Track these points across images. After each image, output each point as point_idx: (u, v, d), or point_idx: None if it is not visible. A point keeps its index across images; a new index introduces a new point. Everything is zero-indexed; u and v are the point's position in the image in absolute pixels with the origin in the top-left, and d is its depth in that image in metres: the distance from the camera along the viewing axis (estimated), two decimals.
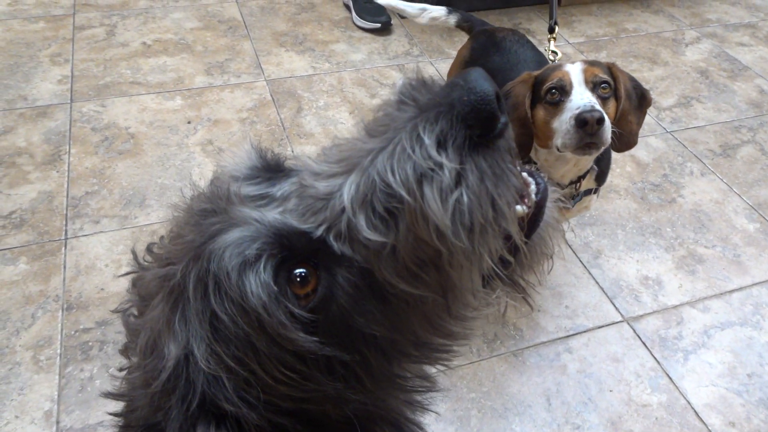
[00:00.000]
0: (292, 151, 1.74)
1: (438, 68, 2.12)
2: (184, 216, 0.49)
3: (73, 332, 1.25)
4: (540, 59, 1.31)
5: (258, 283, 0.41)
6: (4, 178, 1.57)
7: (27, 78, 1.90)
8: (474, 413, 1.17)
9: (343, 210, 0.42)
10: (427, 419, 1.16)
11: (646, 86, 2.08)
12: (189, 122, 1.81)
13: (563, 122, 0.96)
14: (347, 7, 2.39)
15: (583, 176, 1.12)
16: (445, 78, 1.85)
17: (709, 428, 1.15)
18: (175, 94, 1.92)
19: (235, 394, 0.42)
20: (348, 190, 0.42)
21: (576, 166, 1.08)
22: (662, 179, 1.73)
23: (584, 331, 1.32)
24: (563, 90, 0.98)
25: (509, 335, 1.30)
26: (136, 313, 0.51)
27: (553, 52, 1.24)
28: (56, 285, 1.34)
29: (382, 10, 2.27)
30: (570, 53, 2.25)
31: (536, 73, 1.05)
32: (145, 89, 1.92)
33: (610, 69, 1.04)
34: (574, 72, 0.99)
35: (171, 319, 0.43)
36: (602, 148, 0.98)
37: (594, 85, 0.99)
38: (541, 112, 1.03)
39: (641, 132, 1.87)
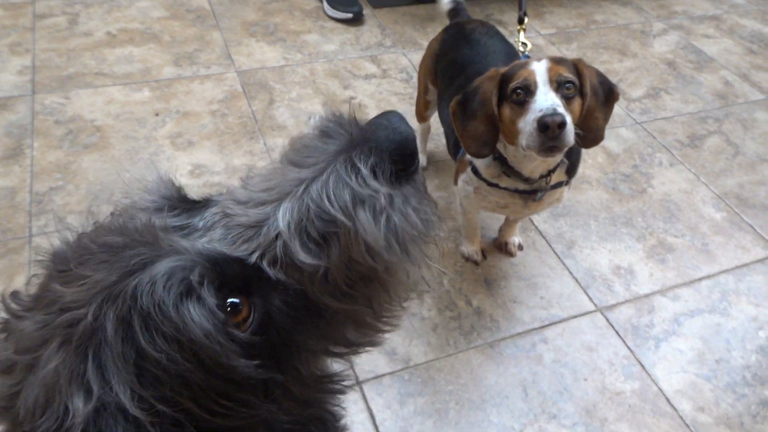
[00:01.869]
0: (265, 144, 1.71)
1: (411, 59, 2.11)
2: (73, 257, 0.44)
3: None
4: (510, 51, 1.31)
5: (201, 312, 0.39)
6: None
7: None
8: (452, 405, 1.17)
9: (278, 235, 0.44)
10: (405, 412, 1.16)
11: (615, 78, 2.11)
12: (157, 114, 1.77)
13: (527, 123, 0.96)
14: None
15: (553, 170, 1.13)
16: (418, 69, 1.86)
17: (680, 414, 1.18)
18: (142, 85, 1.86)
19: None
20: (283, 216, 0.44)
21: (544, 162, 1.09)
22: (633, 170, 1.75)
23: (559, 321, 1.33)
24: (528, 90, 0.98)
25: (486, 327, 1.31)
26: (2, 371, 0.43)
27: (522, 43, 1.24)
28: (21, 284, 1.29)
29: (354, 0, 2.25)
30: (541, 44, 2.27)
31: (503, 69, 1.04)
32: (111, 80, 1.86)
33: (576, 66, 1.03)
34: (540, 71, 0.99)
35: (78, 370, 0.38)
36: (565, 150, 0.99)
37: (558, 85, 0.98)
38: (507, 111, 1.02)
39: (612, 123, 1.90)
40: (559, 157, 1.05)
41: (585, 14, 2.49)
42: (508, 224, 1.44)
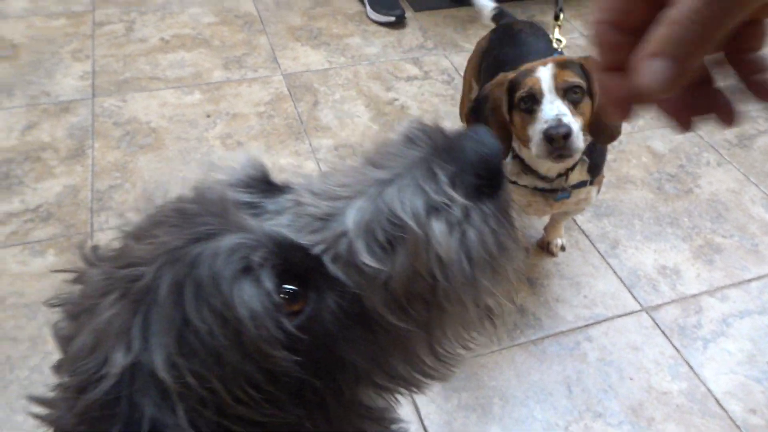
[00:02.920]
0: (310, 145, 1.76)
1: (452, 61, 2.13)
2: (151, 218, 0.46)
3: None
4: (552, 49, 1.32)
5: (254, 292, 0.39)
6: (30, 172, 1.60)
7: (49, 74, 1.93)
8: (495, 401, 1.19)
9: (344, 233, 0.42)
10: (449, 407, 1.18)
11: None
12: (208, 116, 1.84)
13: (535, 133, 0.99)
14: (361, 1, 2.40)
15: (571, 169, 1.13)
16: (462, 71, 1.87)
17: (730, 415, 1.17)
18: (193, 88, 1.94)
19: (185, 417, 0.38)
20: (352, 214, 0.43)
21: (558, 163, 1.09)
22: (678, 169, 1.73)
23: (603, 320, 1.33)
24: (534, 99, 1.00)
25: (529, 325, 1.32)
26: (70, 314, 0.44)
27: (557, 40, 1.25)
28: None
29: (396, 3, 2.29)
30: (584, 45, 2.26)
31: (511, 75, 1.06)
32: (164, 84, 1.95)
33: (583, 67, 1.03)
34: (545, 77, 1.00)
35: (127, 324, 0.39)
36: (575, 156, 1.00)
37: (565, 92, 0.99)
38: (517, 118, 1.05)
39: (658, 123, 1.88)
40: (570, 162, 1.05)
41: None
42: (552, 224, 1.45)
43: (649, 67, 0.32)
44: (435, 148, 0.45)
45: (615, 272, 1.44)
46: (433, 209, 0.42)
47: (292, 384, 0.41)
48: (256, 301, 0.39)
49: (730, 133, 1.87)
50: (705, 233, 1.54)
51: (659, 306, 1.36)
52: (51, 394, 0.43)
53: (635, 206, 1.61)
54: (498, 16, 1.53)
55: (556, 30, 1.28)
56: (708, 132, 1.87)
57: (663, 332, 1.31)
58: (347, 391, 0.44)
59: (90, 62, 2.00)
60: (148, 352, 0.38)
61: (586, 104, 1.03)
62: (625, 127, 1.87)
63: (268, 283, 0.39)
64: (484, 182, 0.44)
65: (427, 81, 2.04)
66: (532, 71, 1.02)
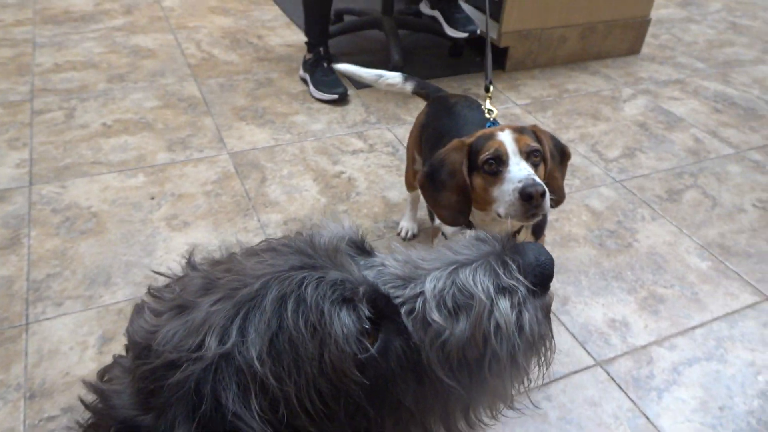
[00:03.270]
0: (259, 221, 1.75)
1: (395, 133, 2.20)
2: (263, 244, 0.55)
3: (37, 422, 1.19)
4: (485, 119, 1.38)
5: (351, 318, 0.46)
6: None
7: None
8: None
9: (421, 293, 0.51)
10: None
11: (591, 141, 2.21)
12: (152, 198, 1.81)
13: (506, 193, 0.99)
14: (304, 80, 2.49)
15: (518, 231, 1.15)
16: (405, 142, 1.92)
17: None
18: (137, 171, 1.92)
19: (258, 414, 0.43)
20: (430, 280, 0.52)
21: (511, 225, 1.11)
22: (617, 226, 1.81)
23: (561, 378, 1.33)
24: (500, 161, 1.02)
25: None
26: (161, 306, 0.51)
27: (488, 110, 1.30)
28: (17, 373, 1.28)
29: (338, 81, 2.37)
30: (518, 113, 2.38)
31: (469, 140, 1.08)
32: (107, 168, 1.92)
33: (536, 134, 1.08)
34: (508, 141, 1.03)
35: (227, 320, 0.45)
36: (542, 215, 1.01)
37: (528, 154, 1.03)
38: (479, 181, 1.05)
39: (593, 183, 1.97)
40: (535, 221, 1.07)
41: (557, 84, 2.64)
42: None
43: None
44: (504, 247, 0.55)
45: (567, 329, 1.46)
46: (501, 288, 0.52)
47: (351, 406, 0.47)
48: (350, 324, 0.46)
49: (660, 189, 1.98)
50: (648, 285, 1.60)
51: (612, 359, 1.38)
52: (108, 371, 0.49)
53: (580, 263, 1.66)
54: (421, 89, 1.59)
55: (488, 101, 1.35)
56: (640, 189, 1.98)
57: (618, 385, 1.32)
58: (388, 428, 0.50)
59: (27, 150, 1.96)
60: (243, 347, 0.44)
61: (541, 168, 1.06)
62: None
63: (362, 312, 0.47)
64: (539, 282, 0.54)
65: (372, 153, 2.09)
66: (492, 135, 1.05)
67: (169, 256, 1.61)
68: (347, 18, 2.98)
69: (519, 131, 1.06)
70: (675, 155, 2.18)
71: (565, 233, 1.77)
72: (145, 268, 1.57)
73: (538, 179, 0.98)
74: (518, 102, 2.47)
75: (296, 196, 1.86)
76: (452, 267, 0.53)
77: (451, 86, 2.56)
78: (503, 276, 0.52)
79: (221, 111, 2.28)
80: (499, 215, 1.02)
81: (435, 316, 0.50)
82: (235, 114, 2.27)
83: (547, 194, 0.98)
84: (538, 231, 1.22)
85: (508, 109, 2.41)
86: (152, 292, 0.53)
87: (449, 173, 1.07)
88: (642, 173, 2.07)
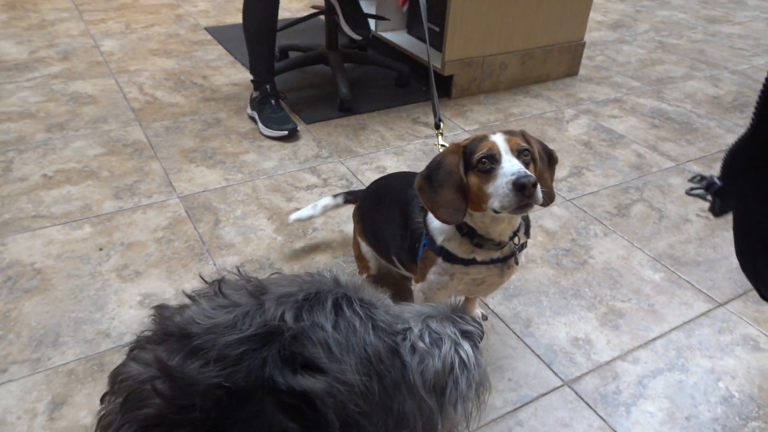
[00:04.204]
0: (215, 264, 1.70)
1: (348, 166, 2.20)
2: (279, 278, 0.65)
3: None
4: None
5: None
6: None
7: None
8: None
9: (409, 328, 0.64)
10: None
11: None
12: (101, 249, 1.74)
13: (499, 187, 1.05)
14: (252, 119, 2.47)
15: (517, 230, 1.21)
16: (357, 174, 1.93)
17: None
18: (83, 222, 1.85)
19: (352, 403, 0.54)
20: (413, 322, 0.66)
21: (509, 223, 1.17)
22: (571, 244, 1.85)
23: (530, 401, 1.33)
24: (494, 159, 1.07)
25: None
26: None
27: (442, 145, 1.33)
28: None
29: (287, 118, 2.37)
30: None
31: (463, 143, 1.14)
32: (50, 221, 1.84)
33: (525, 136, 1.15)
34: (500, 141, 1.09)
35: (299, 306, 0.56)
36: (534, 207, 1.07)
37: (518, 153, 1.09)
38: (474, 179, 1.10)
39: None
40: (528, 212, 1.11)
41: (502, 109, 2.71)
42: (469, 302, 1.48)
43: None
44: (453, 309, 0.70)
45: (533, 350, 1.46)
46: (463, 332, 0.66)
47: (376, 397, 0.57)
48: (377, 339, 0.60)
49: (609, 205, 2.04)
50: (606, 300, 1.63)
51: (579, 378, 1.39)
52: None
53: (540, 284, 1.68)
54: (350, 196, 1.69)
55: (439, 137, 1.37)
56: (590, 206, 2.03)
57: (587, 404, 1.33)
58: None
59: None
60: (317, 326, 0.55)
61: (531, 167, 1.12)
62: None
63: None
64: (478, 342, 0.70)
65: (326, 188, 2.08)
66: (485, 137, 1.10)
67: (121, 309, 1.54)
68: (293, 54, 2.99)
69: (509, 133, 1.12)
70: (620, 171, 2.26)
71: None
72: (95, 324, 1.49)
73: (530, 172, 1.04)
74: (466, 128, 2.52)
75: (252, 237, 1.83)
76: (424, 317, 0.67)
77: (400, 116, 2.59)
78: (462, 323, 0.67)
79: (169, 154, 2.23)
80: (495, 211, 1.07)
81: (421, 344, 0.63)
82: (183, 156, 2.22)
83: (539, 186, 1.03)
84: (528, 230, 1.27)
85: (457, 135, 2.45)
86: (196, 294, 0.61)
87: (447, 173, 1.12)
88: (591, 191, 2.12)
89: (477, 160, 1.08)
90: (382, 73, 2.96)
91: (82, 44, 3.20)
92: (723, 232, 1.93)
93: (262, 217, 1.92)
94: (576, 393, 1.35)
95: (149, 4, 3.92)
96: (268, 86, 2.39)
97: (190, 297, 0.60)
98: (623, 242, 1.86)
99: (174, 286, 1.62)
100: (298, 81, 2.88)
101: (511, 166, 1.05)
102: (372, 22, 3.07)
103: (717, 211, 0.80)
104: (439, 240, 1.22)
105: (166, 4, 3.92)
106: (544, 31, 2.87)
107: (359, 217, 1.57)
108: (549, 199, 1.16)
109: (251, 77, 2.44)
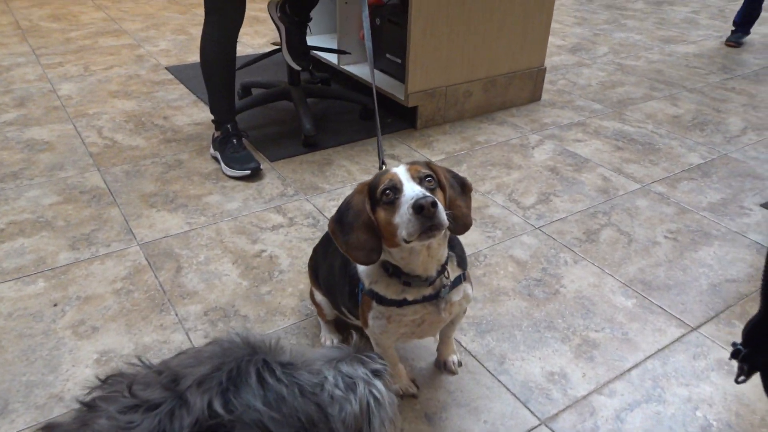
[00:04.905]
0: (177, 315, 1.64)
1: (314, 203, 2.16)
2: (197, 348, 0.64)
3: None
4: None
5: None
6: None
7: None
8: None
9: (326, 378, 0.65)
10: None
11: (507, 190, 2.26)
12: (55, 305, 1.66)
13: (403, 214, 1.02)
14: (215, 158, 2.42)
15: (445, 264, 1.17)
16: (325, 211, 1.89)
17: None
18: (36, 277, 1.77)
19: None
20: (327, 371, 0.66)
21: (430, 256, 1.13)
22: (542, 273, 1.82)
23: None
24: (395, 189, 1.05)
25: None
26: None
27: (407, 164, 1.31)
28: None
29: (250, 157, 2.32)
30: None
31: (368, 181, 1.12)
32: (1, 277, 1.76)
33: (429, 165, 1.13)
34: (401, 172, 1.08)
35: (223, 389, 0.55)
36: (443, 230, 1.04)
37: (420, 180, 1.07)
38: (381, 214, 1.07)
39: (513, 232, 2.00)
40: (438, 237, 1.06)
41: (468, 137, 2.71)
42: (443, 341, 1.44)
43: None
44: (358, 348, 0.73)
45: (508, 389, 1.42)
46: (373, 371, 0.69)
47: None
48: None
49: (577, 231, 2.03)
50: (579, 331, 1.60)
51: (556, 415, 1.35)
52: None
53: (512, 317, 1.65)
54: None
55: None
56: (559, 233, 2.02)
57: None
58: None
59: None
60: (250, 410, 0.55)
61: (439, 194, 1.09)
62: (486, 240, 1.97)
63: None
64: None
65: (293, 227, 2.04)
66: (387, 171, 1.09)
67: (76, 369, 1.46)
68: (255, 91, 2.96)
69: (412, 163, 1.10)
70: (587, 195, 2.26)
71: (494, 287, 1.76)
72: (48, 387, 1.41)
73: (428, 194, 1.01)
74: (433, 158, 2.51)
75: (216, 283, 1.76)
76: (334, 362, 0.68)
77: (366, 149, 2.57)
78: (371, 363, 0.69)
79: (128, 200, 2.16)
80: (405, 241, 1.04)
81: (338, 392, 0.63)
82: (143, 201, 2.16)
83: (440, 206, 1.00)
84: (463, 263, 1.23)
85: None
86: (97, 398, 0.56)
87: (355, 215, 1.10)
88: (559, 217, 2.12)
89: (380, 193, 1.06)
90: (347, 107, 2.94)
91: (39, 89, 3.13)
92: (691, 253, 1.93)
93: (227, 261, 1.86)
94: None
95: (109, 45, 3.87)
96: (229, 125, 2.35)
97: (87, 405, 0.53)
98: (594, 269, 1.85)
99: (133, 341, 1.55)
100: (262, 118, 2.84)
101: (411, 190, 1.03)
102: (334, 56, 3.07)
103: (746, 374, 0.83)
104: (367, 283, 1.19)
105: (126, 45, 3.88)
106: (506, 58, 2.89)
107: (312, 267, 1.53)
108: (464, 226, 1.13)
109: (212, 117, 2.40)
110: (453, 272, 1.19)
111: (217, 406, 0.50)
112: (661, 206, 2.20)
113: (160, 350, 1.53)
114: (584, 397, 1.40)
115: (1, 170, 2.33)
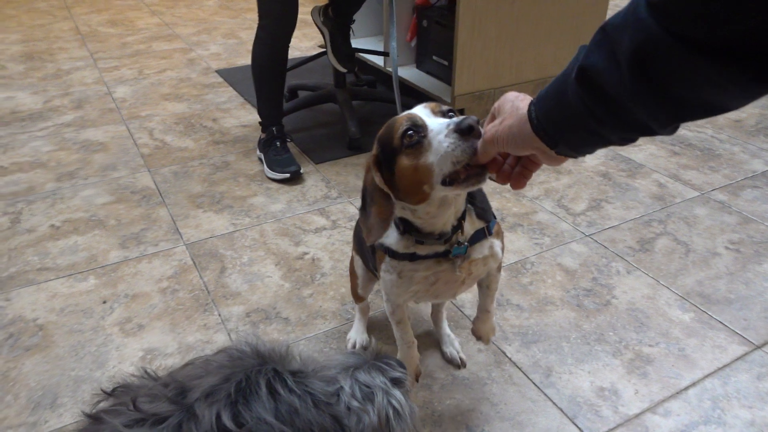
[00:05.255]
0: (220, 315, 1.65)
1: (358, 206, 2.14)
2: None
3: None
4: None
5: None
6: None
7: None
8: None
9: (341, 387, 0.63)
10: None
11: (557, 196, 2.18)
12: (104, 302, 1.70)
13: (440, 148, 0.87)
14: (261, 160, 2.44)
15: (462, 218, 1.05)
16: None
17: None
18: (87, 274, 1.81)
19: None
20: (343, 379, 0.64)
21: (454, 207, 1.01)
22: (593, 283, 1.75)
23: None
24: (418, 126, 0.90)
25: None
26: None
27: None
28: None
29: (291, 160, 2.33)
30: None
31: (375, 151, 0.98)
32: (55, 274, 1.81)
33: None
34: (418, 110, 0.93)
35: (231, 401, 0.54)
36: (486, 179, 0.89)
37: (444, 114, 0.93)
38: (404, 161, 0.92)
39: (562, 239, 1.93)
40: (483, 181, 0.90)
41: None
42: (480, 317, 1.30)
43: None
44: (376, 356, 0.70)
45: (554, 403, 1.37)
46: (393, 380, 0.66)
47: None
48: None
49: (631, 240, 1.95)
50: (632, 345, 1.52)
51: None
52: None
53: (560, 328, 1.59)
54: None
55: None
56: (611, 241, 1.94)
57: None
58: None
59: None
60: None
61: None
62: (533, 247, 1.90)
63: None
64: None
65: (335, 230, 2.03)
66: (398, 117, 0.95)
67: (122, 366, 1.49)
68: (301, 93, 2.98)
69: (428, 103, 0.97)
70: (641, 203, 2.16)
71: (541, 297, 1.70)
72: (95, 383, 1.44)
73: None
74: None
75: (258, 284, 1.77)
76: (351, 370, 0.65)
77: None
78: (390, 371, 0.66)
79: (176, 200, 2.20)
80: (443, 183, 0.89)
81: (355, 403, 0.61)
82: (191, 202, 2.19)
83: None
84: (485, 215, 1.09)
85: None
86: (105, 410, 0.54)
87: (371, 191, 0.98)
88: (611, 224, 2.03)
89: (400, 138, 0.90)
90: (392, 110, 2.92)
91: (96, 92, 3.24)
92: (755, 266, 1.82)
93: (270, 263, 1.86)
94: None
95: (162, 49, 3.98)
96: (274, 128, 2.36)
97: (93, 417, 0.51)
98: (648, 280, 1.76)
99: (177, 340, 1.56)
100: (307, 120, 2.86)
101: (441, 122, 0.88)
102: (381, 59, 3.06)
103: None
104: (384, 240, 1.09)
105: (178, 49, 3.98)
106: (555, 59, 2.81)
107: (355, 231, 1.45)
108: None
109: (259, 119, 2.42)
110: (472, 227, 1.06)
111: (226, 420, 0.47)
112: (722, 215, 2.08)
113: (203, 350, 1.54)
114: (636, 416, 1.33)
115: (58, 170, 2.42)
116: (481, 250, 1.09)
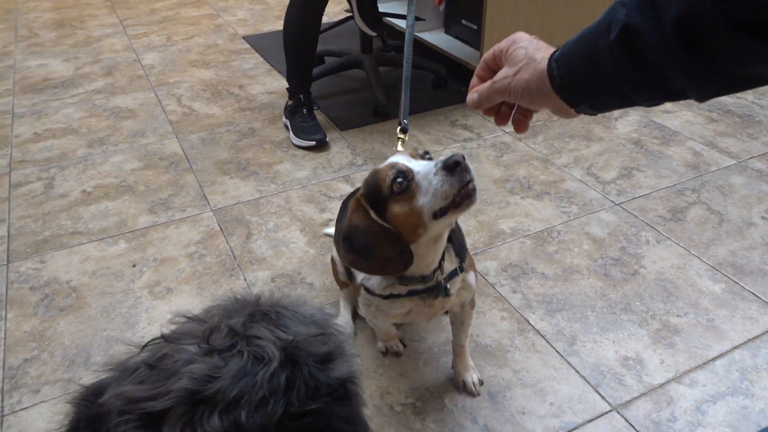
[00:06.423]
0: (245, 280, 1.67)
1: None
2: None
3: None
4: None
5: None
6: None
7: None
8: None
9: None
10: None
11: (586, 164, 2.13)
12: (134, 265, 1.74)
13: (430, 187, 0.91)
14: (287, 127, 2.44)
15: (442, 258, 1.07)
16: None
17: None
18: (118, 238, 1.86)
19: None
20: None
21: (435, 249, 1.04)
22: (621, 252, 1.72)
23: (574, 429, 1.23)
24: (404, 173, 0.94)
25: None
26: None
27: (400, 152, 1.16)
28: None
29: (317, 127, 2.32)
30: (509, 141, 2.32)
31: (360, 192, 1.01)
32: (87, 238, 1.86)
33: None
34: (398, 158, 0.97)
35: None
36: (476, 193, 0.92)
37: (422, 156, 0.99)
38: (396, 208, 0.95)
39: (591, 208, 1.89)
40: (472, 203, 0.94)
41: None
42: (457, 354, 1.33)
43: (471, 95, 0.75)
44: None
45: (578, 371, 1.36)
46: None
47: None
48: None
49: (662, 209, 1.90)
50: (659, 315, 1.50)
51: (629, 402, 1.28)
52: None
53: (585, 297, 1.57)
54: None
55: (399, 143, 1.25)
56: (641, 210, 1.89)
57: None
58: None
59: (5, 227, 1.91)
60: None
61: None
62: (560, 216, 1.87)
63: None
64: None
65: None
66: (379, 167, 0.98)
67: (151, 328, 1.53)
68: (328, 59, 2.95)
69: (399, 152, 1.02)
70: (674, 171, 2.10)
71: (567, 265, 1.68)
72: (125, 343, 1.48)
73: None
74: (506, 129, 2.41)
75: (283, 250, 1.79)
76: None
77: (437, 119, 2.51)
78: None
79: (204, 166, 2.22)
80: (434, 216, 0.93)
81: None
82: (218, 168, 2.21)
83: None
84: (461, 252, 1.12)
85: (497, 137, 2.35)
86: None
87: (365, 233, 0.98)
88: (642, 193, 1.98)
89: (389, 187, 0.94)
90: (419, 75, 2.87)
91: (125, 59, 3.27)
92: None
93: (295, 230, 1.87)
94: (626, 419, 1.24)
95: (190, 15, 3.98)
96: (301, 96, 2.35)
97: (168, 339, 0.57)
98: (679, 250, 1.72)
99: (204, 303, 1.59)
100: (334, 87, 2.83)
101: (426, 165, 0.93)
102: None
103: None
104: (359, 278, 1.13)
105: (206, 15, 3.97)
106: (589, 23, 2.71)
107: (336, 230, 1.43)
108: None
109: (287, 85, 2.41)
110: (450, 264, 1.10)
111: (280, 334, 0.53)
112: (760, 184, 2.01)
113: None
114: (661, 386, 1.31)
115: (90, 136, 2.46)
116: (454, 285, 1.12)
